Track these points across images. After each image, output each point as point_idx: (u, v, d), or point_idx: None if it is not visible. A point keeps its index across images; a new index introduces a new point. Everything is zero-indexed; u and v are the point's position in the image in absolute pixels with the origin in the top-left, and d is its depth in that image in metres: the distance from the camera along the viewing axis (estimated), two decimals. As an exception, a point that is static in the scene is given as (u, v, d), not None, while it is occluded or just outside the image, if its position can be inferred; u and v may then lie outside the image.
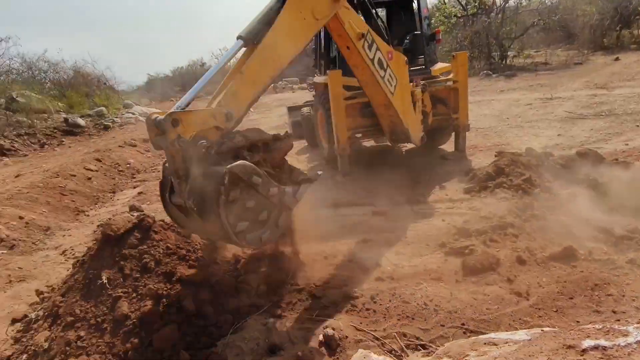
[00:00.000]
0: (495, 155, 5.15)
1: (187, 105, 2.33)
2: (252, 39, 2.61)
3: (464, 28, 17.85)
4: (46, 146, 10.49)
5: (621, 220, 3.61)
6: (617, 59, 14.83)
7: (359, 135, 5.76)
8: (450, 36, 18.03)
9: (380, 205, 4.51)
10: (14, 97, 12.47)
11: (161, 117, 2.14)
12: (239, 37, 2.64)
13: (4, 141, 9.89)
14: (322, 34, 6.25)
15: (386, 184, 5.18)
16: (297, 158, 7.26)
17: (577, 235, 3.43)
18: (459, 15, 18.16)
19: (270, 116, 13.43)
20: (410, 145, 7.04)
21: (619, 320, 2.37)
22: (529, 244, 3.31)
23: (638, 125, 6.31)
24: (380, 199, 4.73)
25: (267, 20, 2.68)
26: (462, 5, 18.24)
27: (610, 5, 18.11)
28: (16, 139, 10.33)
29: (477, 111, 9.18)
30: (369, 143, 7.53)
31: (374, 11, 4.22)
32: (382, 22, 4.42)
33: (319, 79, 6.42)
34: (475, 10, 17.65)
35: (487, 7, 17.46)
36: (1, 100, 12.85)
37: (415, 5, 5.93)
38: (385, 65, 4.13)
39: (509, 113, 8.64)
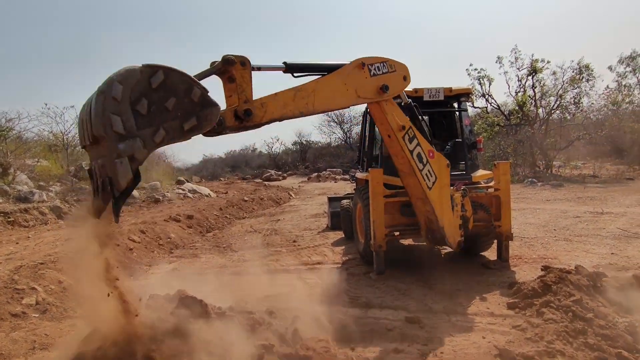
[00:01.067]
0: (542, 269, 4.87)
1: None
2: (291, 70, 3.24)
3: (507, 136, 18.24)
4: (101, 213, 11.26)
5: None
6: (674, 177, 14.23)
7: (397, 233, 5.73)
8: (493, 143, 18.41)
9: (415, 311, 4.28)
10: (83, 166, 13.93)
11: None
12: (284, 63, 3.23)
13: (64, 205, 10.78)
14: (367, 132, 6.69)
15: (422, 288, 4.99)
16: (333, 249, 7.24)
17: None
18: (502, 124, 18.72)
19: (310, 203, 13.80)
20: (449, 249, 6.87)
21: None
22: (581, 377, 2.94)
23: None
24: (414, 303, 4.51)
25: (322, 68, 3.40)
26: (504, 115, 18.90)
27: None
28: (75, 204, 11.24)
29: (521, 219, 8.94)
30: (407, 242, 7.43)
31: (419, 116, 4.60)
32: (427, 124, 4.75)
33: (360, 174, 6.69)
34: (519, 120, 18.17)
35: (530, 118, 17.96)
36: (72, 168, 14.38)
37: (457, 115, 6.26)
38: (424, 161, 4.39)
39: (556, 224, 8.29)
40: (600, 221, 8.37)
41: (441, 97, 5.73)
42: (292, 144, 40.92)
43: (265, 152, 41.99)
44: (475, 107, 20.37)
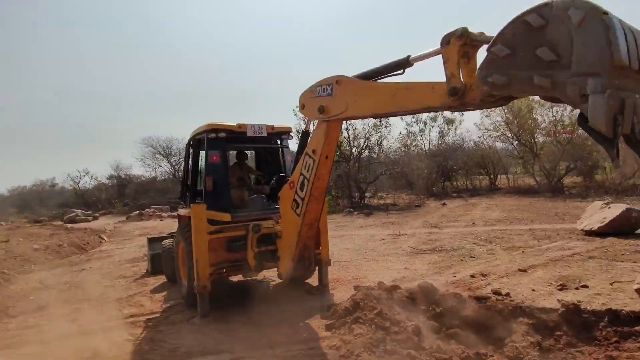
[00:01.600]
0: (354, 289, 5.47)
1: None
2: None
3: (327, 171, 20.51)
4: None
5: (456, 349, 4.01)
6: (444, 204, 18.53)
7: (224, 270, 5.56)
8: (317, 177, 20.41)
9: (239, 352, 4.15)
10: None
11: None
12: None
13: None
14: (191, 165, 6.41)
15: (249, 325, 4.90)
16: (152, 297, 6.48)
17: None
18: (323, 161, 20.97)
19: (128, 246, 12.16)
20: (278, 280, 7.05)
21: None
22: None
23: (461, 260, 7.60)
24: (239, 343, 4.38)
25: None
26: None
27: (434, 163, 23.43)
28: None
29: (340, 245, 9.98)
30: (236, 278, 7.28)
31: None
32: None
33: (183, 211, 6.31)
34: (337, 158, 20.72)
35: (346, 156, 20.73)
36: None
37: (280, 151, 6.66)
38: None
39: (367, 247, 9.58)
40: (398, 242, 10.09)
41: (264, 134, 6.01)
42: (107, 178, 35.92)
43: (70, 188, 35.51)
44: (301, 145, 22.32)
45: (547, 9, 1.88)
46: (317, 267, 6.35)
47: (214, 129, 5.66)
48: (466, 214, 14.74)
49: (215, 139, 5.65)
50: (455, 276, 6.46)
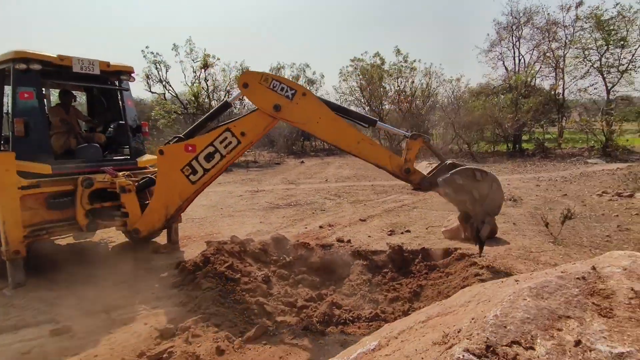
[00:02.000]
0: (206, 244, 5.32)
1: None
2: None
3: (185, 124, 19.02)
4: None
5: (302, 292, 4.34)
6: (302, 162, 19.44)
7: (44, 232, 4.67)
8: (172, 130, 18.76)
9: (65, 320, 3.62)
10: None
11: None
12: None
13: None
14: None
15: (79, 291, 4.31)
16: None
17: (270, 311, 3.83)
18: (179, 112, 19.34)
19: None
20: (120, 240, 6.36)
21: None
22: (229, 331, 3.39)
23: (313, 213, 8.17)
24: (66, 311, 3.82)
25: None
26: (182, 104, 19.60)
27: (294, 122, 24.10)
28: None
29: (195, 202, 9.48)
30: (65, 241, 6.27)
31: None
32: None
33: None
34: (195, 110, 19.33)
35: (204, 109, 19.52)
36: None
37: (119, 95, 5.76)
38: None
39: (223, 204, 9.41)
40: (256, 197, 10.20)
41: (96, 72, 5.06)
42: None
43: None
44: (153, 92, 20.02)
45: (486, 172, 3.90)
46: (166, 224, 5.94)
47: (24, 58, 4.49)
48: (321, 171, 15.81)
49: (26, 72, 4.50)
50: (306, 227, 6.91)
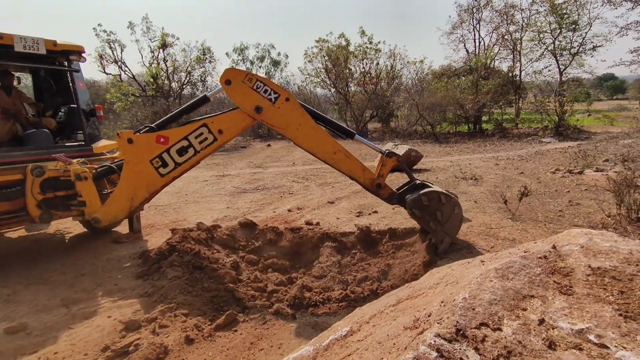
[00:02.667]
0: (171, 232, 5.16)
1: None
2: None
3: (144, 107, 18.15)
4: None
5: (271, 276, 4.33)
6: (269, 145, 19.17)
7: (-7, 225, 4.36)
8: (130, 113, 17.87)
9: (21, 317, 3.43)
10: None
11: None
12: None
13: None
14: None
15: (34, 286, 4.08)
16: None
17: (240, 297, 3.80)
18: (137, 94, 18.40)
19: None
20: (78, 231, 6.05)
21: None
22: (198, 319, 3.34)
23: (281, 196, 8.12)
24: (22, 308, 3.61)
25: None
26: (140, 85, 18.64)
27: (260, 104, 23.60)
28: None
29: (158, 188, 9.20)
30: (17, 233, 5.90)
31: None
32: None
33: None
34: (154, 92, 18.46)
35: (164, 91, 18.66)
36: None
37: (69, 76, 5.37)
38: None
39: (188, 189, 9.14)
40: (222, 182, 9.98)
41: (42, 51, 4.67)
42: None
43: None
44: (107, 74, 18.86)
45: (450, 197, 4.10)
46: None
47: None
48: (288, 154, 15.67)
49: None
50: (274, 211, 6.86)
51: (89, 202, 4.38)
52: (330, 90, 25.22)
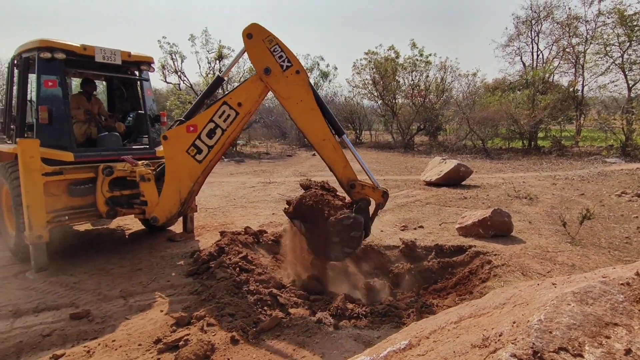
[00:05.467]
0: (220, 235, 5.38)
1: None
2: None
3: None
4: None
5: (315, 285, 4.37)
6: (314, 154, 19.41)
7: (66, 218, 4.78)
8: (186, 120, 18.98)
9: (84, 305, 3.72)
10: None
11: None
12: None
13: None
14: (17, 90, 5.15)
15: (97, 277, 4.41)
16: (-36, 251, 5.25)
17: (283, 303, 3.87)
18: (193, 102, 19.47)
19: None
20: (136, 227, 6.47)
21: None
22: (243, 321, 3.43)
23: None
24: (85, 296, 3.93)
25: None
26: (196, 94, 19.70)
27: (307, 114, 24.05)
28: None
29: (208, 192, 9.63)
30: (83, 227, 6.42)
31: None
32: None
33: (5, 146, 5.10)
34: (209, 101, 19.44)
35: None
36: None
37: (138, 85, 5.83)
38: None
39: (236, 194, 9.48)
40: (268, 189, 10.25)
41: (118, 61, 5.12)
42: None
43: None
44: (168, 83, 20.16)
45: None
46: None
47: (49, 47, 4.56)
48: (333, 164, 15.78)
49: (50, 60, 4.58)
50: (318, 220, 6.92)
51: (149, 202, 4.68)
52: (377, 102, 25.16)
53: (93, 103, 5.57)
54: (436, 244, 5.17)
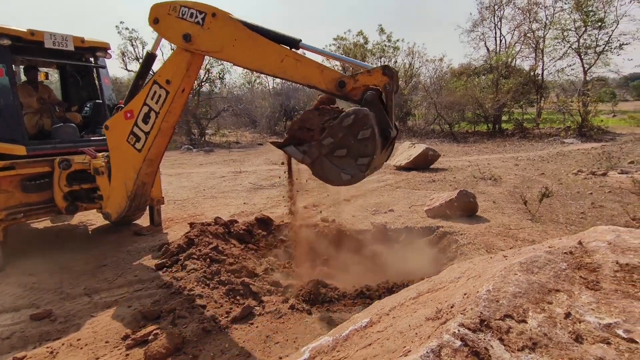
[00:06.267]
0: (189, 226, 5.26)
1: None
2: None
3: (163, 104, 18.51)
4: None
5: (288, 272, 4.37)
6: (285, 142, 19.26)
7: (20, 216, 4.52)
8: (150, 110, 18.29)
9: (46, 304, 3.55)
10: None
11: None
12: None
13: None
14: None
15: (58, 275, 4.22)
16: None
17: (256, 291, 3.86)
18: (158, 91, 18.77)
19: None
20: (100, 223, 6.22)
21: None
22: (215, 311, 3.39)
23: (297, 193, 8.15)
24: (46, 295, 3.75)
25: None
26: (160, 83, 19.02)
27: (277, 102, 23.75)
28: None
29: (176, 184, 9.38)
30: (43, 224, 6.10)
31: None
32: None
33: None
34: (173, 89, 18.80)
35: (183, 88, 18.97)
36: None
37: (94, 72, 5.52)
38: None
39: (206, 185, 9.28)
40: (239, 179, 10.09)
41: (71, 47, 4.81)
42: None
43: None
44: (129, 70, 19.30)
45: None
46: (147, 207, 5.82)
47: (-9, 32, 4.22)
48: (304, 152, 15.71)
49: None
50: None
51: (105, 197, 4.47)
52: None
53: (42, 91, 5.24)
54: (406, 226, 5.27)
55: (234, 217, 6.05)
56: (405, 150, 11.05)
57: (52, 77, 7.94)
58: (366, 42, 22.40)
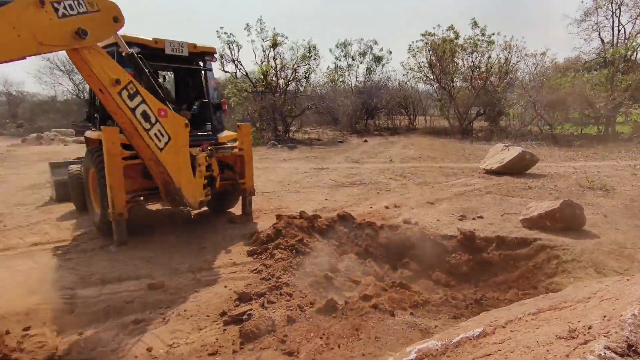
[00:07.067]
0: (276, 218, 5.60)
1: None
2: None
3: (254, 102, 19.70)
4: None
5: (369, 270, 4.42)
6: (365, 140, 19.26)
7: (141, 198, 5.25)
8: (242, 107, 19.59)
9: (159, 277, 4.10)
10: None
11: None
12: None
13: None
14: None
15: (169, 252, 4.82)
16: (59, 225, 5.96)
17: (337, 286, 4.00)
18: (249, 90, 20.03)
19: (25, 172, 10.80)
20: (201, 209, 6.91)
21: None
22: (301, 300, 3.59)
23: (378, 192, 8.14)
24: (159, 269, 4.31)
25: None
26: (252, 82, 20.25)
27: (359, 100, 23.79)
28: None
29: (264, 177, 9.98)
30: (155, 207, 6.98)
31: (146, 69, 4.34)
32: (156, 81, 4.47)
33: (92, 133, 5.66)
34: (263, 88, 19.91)
35: (272, 87, 19.98)
36: None
37: (203, 74, 6.15)
38: (153, 120, 4.21)
39: (290, 179, 9.73)
40: (320, 175, 10.39)
41: (185, 53, 5.43)
42: (-6, 94, 30.23)
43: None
44: (225, 72, 20.89)
45: None
46: (240, 197, 6.33)
47: (125, 42, 4.94)
48: (385, 151, 15.55)
49: (126, 54, 4.97)
50: (371, 207, 6.93)
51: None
52: (432, 86, 24.17)
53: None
54: (497, 235, 4.97)
55: (317, 212, 6.27)
56: (498, 153, 10.31)
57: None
58: (457, 37, 21.24)
